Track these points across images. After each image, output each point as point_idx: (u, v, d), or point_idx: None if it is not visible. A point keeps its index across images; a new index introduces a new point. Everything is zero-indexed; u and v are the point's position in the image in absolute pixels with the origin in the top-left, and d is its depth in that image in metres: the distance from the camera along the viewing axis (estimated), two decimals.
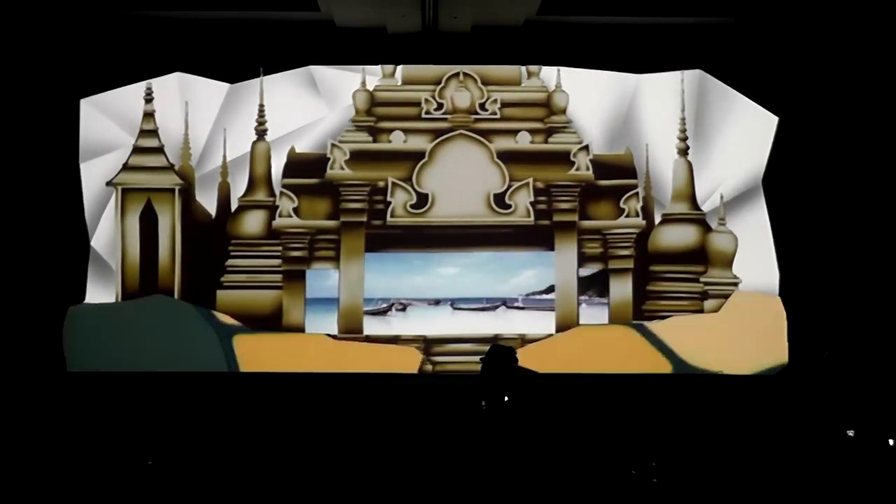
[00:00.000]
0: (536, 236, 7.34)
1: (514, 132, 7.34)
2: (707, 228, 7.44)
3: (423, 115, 7.32)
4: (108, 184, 7.29)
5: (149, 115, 7.35)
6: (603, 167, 7.38)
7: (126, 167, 7.33)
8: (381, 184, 7.24)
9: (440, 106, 7.35)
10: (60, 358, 7.13)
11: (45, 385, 7.01)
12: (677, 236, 7.43)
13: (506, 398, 5.22)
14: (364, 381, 7.28)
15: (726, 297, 7.33)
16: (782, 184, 7.38)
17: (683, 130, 7.44)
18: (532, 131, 7.35)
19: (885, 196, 7.30)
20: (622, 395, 7.08)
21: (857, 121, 7.34)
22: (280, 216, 7.25)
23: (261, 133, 7.38)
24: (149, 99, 7.34)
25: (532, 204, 7.27)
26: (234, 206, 7.37)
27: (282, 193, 7.27)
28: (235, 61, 7.49)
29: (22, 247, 7.17)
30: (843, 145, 7.36)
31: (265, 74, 7.42)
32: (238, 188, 7.36)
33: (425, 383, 7.30)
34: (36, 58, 7.24)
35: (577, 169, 7.27)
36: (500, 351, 5.47)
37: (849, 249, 7.27)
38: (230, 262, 7.33)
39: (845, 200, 7.34)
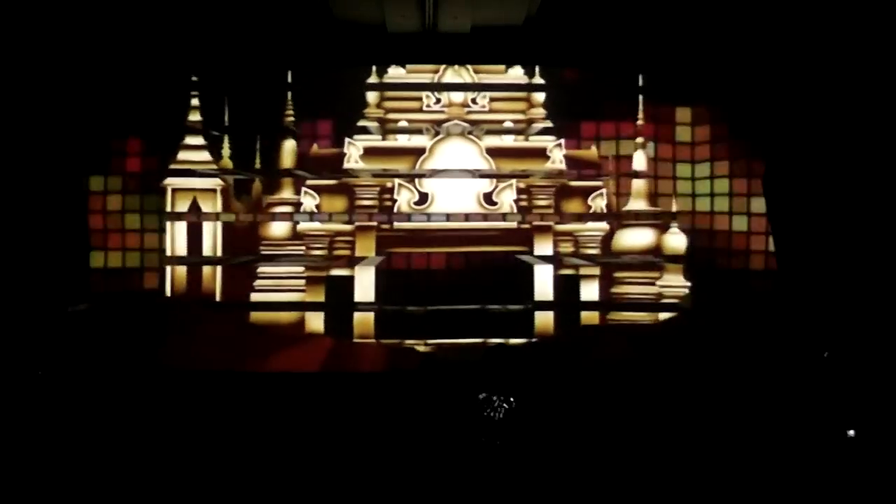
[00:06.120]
0: (521, 237, 7.76)
1: (501, 122, 7.84)
2: (663, 230, 7.72)
3: (424, 108, 7.84)
4: (159, 186, 7.60)
5: (194, 111, 7.66)
6: (574, 162, 7.79)
7: (174, 166, 7.64)
8: (389, 184, 7.77)
9: (438, 101, 7.87)
10: (60, 358, 7.13)
11: (46, 385, 7.00)
12: (636, 239, 7.75)
13: (510, 399, 5.24)
14: (364, 381, 7.29)
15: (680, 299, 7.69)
16: (782, 184, 7.38)
17: (642, 130, 7.77)
18: (515, 121, 7.83)
19: (885, 196, 7.30)
20: (622, 394, 7.08)
21: (857, 121, 7.34)
22: (302, 212, 7.72)
23: (289, 130, 7.72)
24: (193, 95, 7.66)
25: (515, 201, 7.75)
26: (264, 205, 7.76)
27: (305, 192, 7.70)
28: (235, 61, 7.50)
29: (22, 247, 7.17)
30: (842, 145, 7.35)
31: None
32: (270, 186, 7.75)
33: (425, 383, 7.30)
34: (36, 58, 7.24)
35: (553, 163, 7.74)
36: (499, 351, 5.49)
37: (848, 249, 7.27)
38: (260, 264, 7.69)
39: (845, 200, 7.34)
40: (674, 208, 7.69)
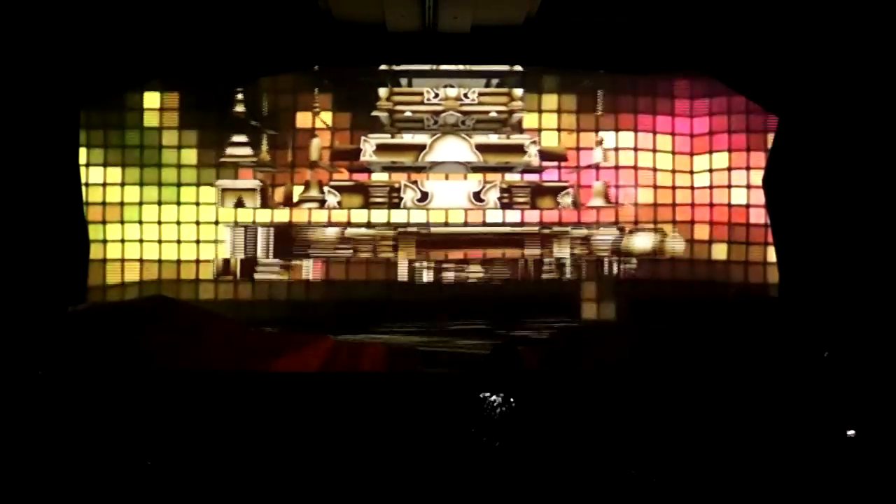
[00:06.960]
0: (512, 241, 8.59)
1: (487, 112, 8.70)
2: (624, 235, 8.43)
3: (425, 102, 8.67)
4: (210, 184, 8.35)
5: (239, 106, 8.35)
6: (547, 157, 8.58)
7: (224, 160, 8.38)
8: (396, 184, 8.65)
9: (436, 95, 8.67)
10: (60, 358, 7.12)
11: (45, 385, 7.00)
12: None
13: (511, 399, 5.23)
14: (364, 381, 7.30)
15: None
16: (782, 184, 7.38)
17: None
18: (499, 112, 8.71)
19: (886, 196, 7.30)
20: (622, 394, 7.09)
21: (858, 121, 7.33)
22: (326, 208, 8.57)
23: (315, 128, 8.45)
24: (237, 91, 8.34)
25: (499, 199, 8.63)
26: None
27: (328, 191, 8.51)
28: (235, 62, 7.51)
29: (22, 247, 7.17)
30: (843, 145, 7.34)
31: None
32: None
33: (425, 383, 7.33)
34: (36, 58, 7.24)
35: (529, 157, 8.55)
36: (503, 351, 5.48)
37: (849, 250, 7.27)
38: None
39: (846, 200, 7.33)
40: (635, 203, 8.45)
